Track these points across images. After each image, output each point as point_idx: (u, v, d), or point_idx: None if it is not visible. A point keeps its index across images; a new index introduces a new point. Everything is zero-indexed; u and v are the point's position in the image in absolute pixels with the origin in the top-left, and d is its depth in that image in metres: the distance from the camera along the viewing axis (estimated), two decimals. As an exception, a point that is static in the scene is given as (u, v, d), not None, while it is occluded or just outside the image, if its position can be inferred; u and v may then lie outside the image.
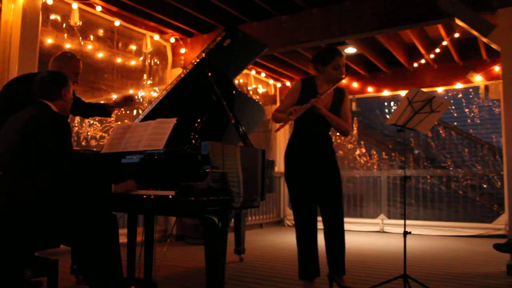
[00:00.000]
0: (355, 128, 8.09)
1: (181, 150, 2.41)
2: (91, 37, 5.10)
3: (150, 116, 2.96)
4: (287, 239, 6.11)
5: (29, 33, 4.12)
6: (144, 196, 2.37)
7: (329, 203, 3.01)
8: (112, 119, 5.35)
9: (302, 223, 3.00)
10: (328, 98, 3.02)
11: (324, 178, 3.02)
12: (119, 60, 5.47)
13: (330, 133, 3.15)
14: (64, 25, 4.80)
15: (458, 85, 6.92)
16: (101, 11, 5.06)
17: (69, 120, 2.71)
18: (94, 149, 3.90)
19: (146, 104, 5.67)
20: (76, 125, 5.02)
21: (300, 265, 3.01)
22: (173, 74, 5.94)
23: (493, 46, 4.39)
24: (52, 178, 2.30)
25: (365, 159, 8.15)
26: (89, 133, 5.15)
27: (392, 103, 9.98)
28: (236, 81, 6.90)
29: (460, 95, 7.91)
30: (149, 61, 5.85)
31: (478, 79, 6.64)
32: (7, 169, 2.36)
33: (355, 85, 7.50)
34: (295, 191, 3.03)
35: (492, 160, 7.87)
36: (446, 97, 7.35)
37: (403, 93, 7.28)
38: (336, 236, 3.01)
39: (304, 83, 3.08)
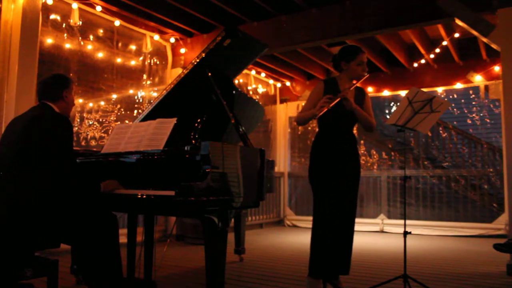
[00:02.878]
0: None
1: (181, 150, 2.41)
2: (91, 37, 5.10)
3: (150, 116, 2.96)
4: (287, 239, 6.10)
5: (29, 33, 4.12)
6: (144, 196, 2.37)
7: (346, 200, 3.00)
8: (112, 119, 5.35)
9: (329, 222, 2.93)
10: (350, 97, 3.01)
11: (347, 176, 3.01)
12: (119, 60, 5.47)
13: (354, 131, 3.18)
14: (64, 25, 4.80)
15: (458, 85, 6.93)
16: (101, 11, 5.06)
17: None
18: (94, 149, 3.90)
19: (146, 104, 5.67)
20: (76, 125, 5.02)
21: (316, 263, 2.94)
22: (173, 74, 5.94)
23: (493, 46, 4.39)
24: (52, 178, 2.30)
25: (365, 159, 8.14)
26: (89, 133, 5.14)
27: (392, 103, 9.97)
28: (236, 81, 6.90)
29: (460, 95, 7.90)
30: (149, 61, 5.85)
31: (478, 79, 6.64)
32: (8, 169, 2.36)
33: (355, 85, 7.48)
34: (324, 189, 2.98)
35: (492, 160, 7.86)
36: (446, 98, 7.34)
37: (403, 93, 7.28)
38: (348, 230, 3.02)
39: (326, 83, 3.08)
